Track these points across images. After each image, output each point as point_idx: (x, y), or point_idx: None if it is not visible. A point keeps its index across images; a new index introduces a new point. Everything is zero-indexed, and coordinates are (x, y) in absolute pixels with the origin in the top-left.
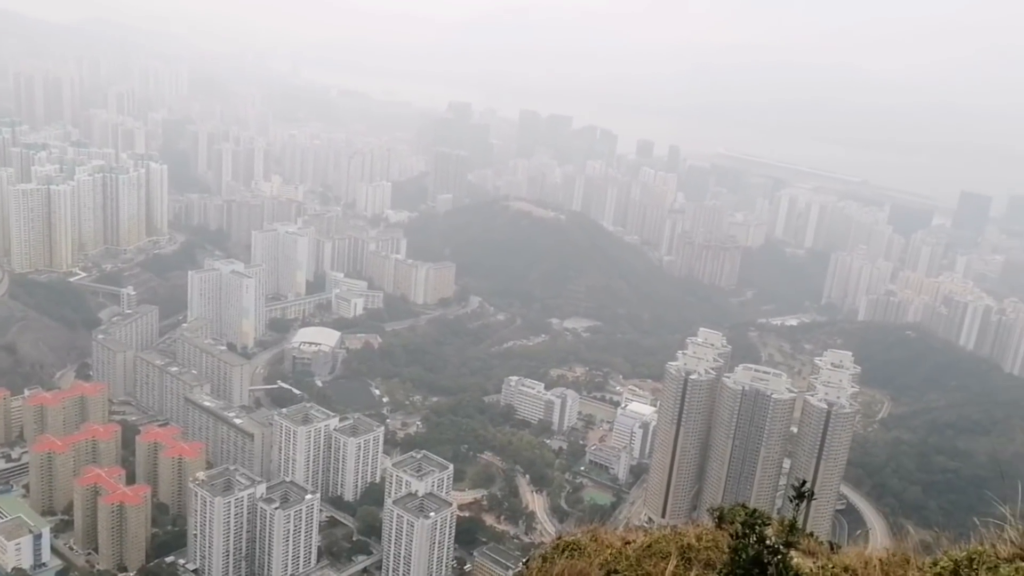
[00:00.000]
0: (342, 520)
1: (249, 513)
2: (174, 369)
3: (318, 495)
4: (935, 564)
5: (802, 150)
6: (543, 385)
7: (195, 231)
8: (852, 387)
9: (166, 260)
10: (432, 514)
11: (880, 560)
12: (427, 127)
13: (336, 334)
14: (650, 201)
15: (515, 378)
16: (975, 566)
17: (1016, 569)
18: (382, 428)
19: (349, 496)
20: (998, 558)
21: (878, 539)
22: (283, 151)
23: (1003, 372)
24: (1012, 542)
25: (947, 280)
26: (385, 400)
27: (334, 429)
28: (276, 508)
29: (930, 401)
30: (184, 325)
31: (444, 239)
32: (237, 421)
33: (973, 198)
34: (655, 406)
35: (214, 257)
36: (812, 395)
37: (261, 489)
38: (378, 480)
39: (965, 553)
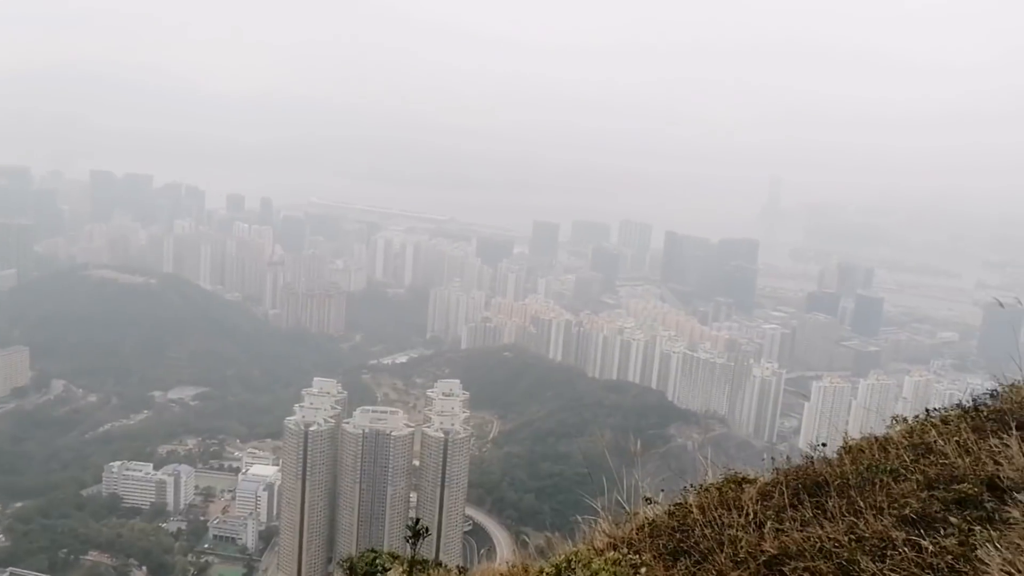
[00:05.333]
0: None
1: None
2: None
3: None
4: (540, 572)
5: (392, 193)
6: (151, 465)
7: None
8: (464, 412)
9: None
10: None
11: (501, 573)
12: None
13: None
14: (247, 255)
15: (117, 463)
16: (573, 566)
17: (606, 560)
18: None
19: None
20: (593, 552)
21: (503, 552)
22: None
23: (587, 377)
24: (605, 532)
25: (532, 302)
26: None
27: None
28: None
29: (532, 413)
30: None
31: (11, 320)
32: None
33: (544, 226)
34: (278, 465)
35: None
36: (429, 426)
37: None
38: None
39: (563, 556)
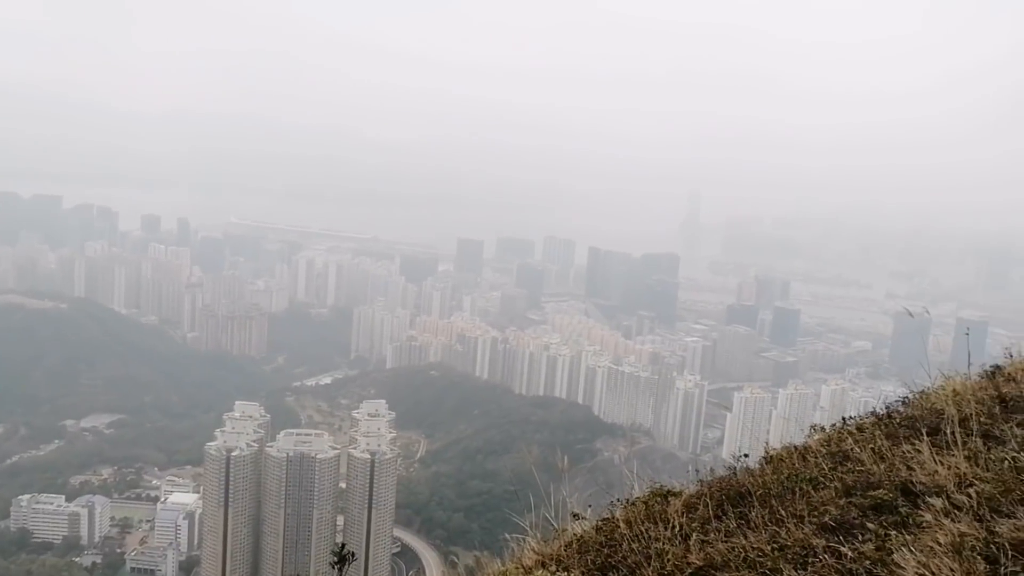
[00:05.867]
0: None
1: None
2: None
3: None
4: None
5: (313, 212)
6: (64, 497)
7: None
8: (390, 433)
9: None
10: None
11: None
12: None
13: None
14: (164, 278)
15: (27, 496)
16: None
17: None
18: None
19: None
20: (522, 570)
21: (432, 572)
22: None
23: (514, 394)
24: (534, 550)
25: (458, 319)
26: None
27: None
28: None
29: (460, 432)
30: None
31: None
32: None
33: (469, 244)
34: (199, 492)
35: None
36: (355, 448)
37: None
38: None
39: (492, 575)
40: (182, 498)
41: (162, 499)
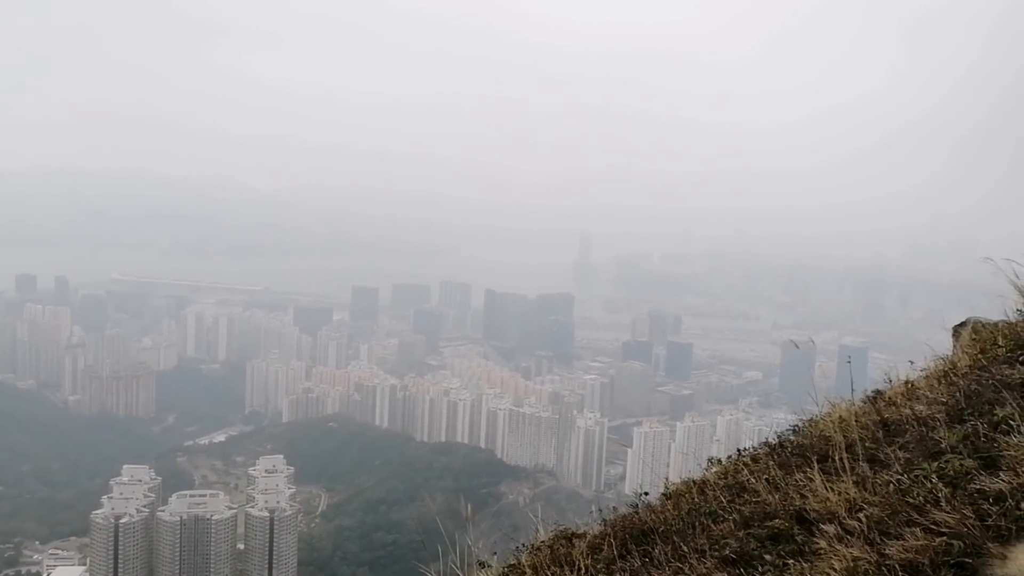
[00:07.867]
0: None
1: None
2: None
3: None
4: None
5: (201, 266)
6: None
7: None
8: (289, 488)
9: None
10: None
11: None
12: None
13: None
14: (42, 339)
15: None
16: None
17: None
18: None
19: None
20: None
21: None
22: None
23: (415, 441)
24: None
25: (355, 369)
26: None
27: None
28: None
29: (362, 484)
30: None
31: None
32: None
33: (364, 291)
34: (86, 564)
35: None
36: (253, 507)
37: None
38: None
39: None
40: (66, 572)
41: (44, 574)
